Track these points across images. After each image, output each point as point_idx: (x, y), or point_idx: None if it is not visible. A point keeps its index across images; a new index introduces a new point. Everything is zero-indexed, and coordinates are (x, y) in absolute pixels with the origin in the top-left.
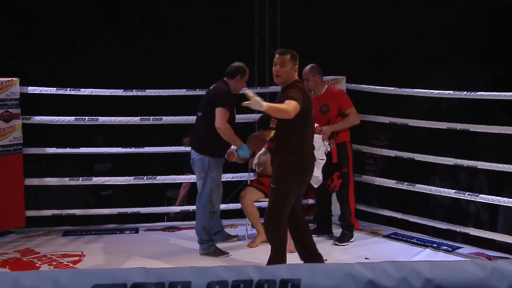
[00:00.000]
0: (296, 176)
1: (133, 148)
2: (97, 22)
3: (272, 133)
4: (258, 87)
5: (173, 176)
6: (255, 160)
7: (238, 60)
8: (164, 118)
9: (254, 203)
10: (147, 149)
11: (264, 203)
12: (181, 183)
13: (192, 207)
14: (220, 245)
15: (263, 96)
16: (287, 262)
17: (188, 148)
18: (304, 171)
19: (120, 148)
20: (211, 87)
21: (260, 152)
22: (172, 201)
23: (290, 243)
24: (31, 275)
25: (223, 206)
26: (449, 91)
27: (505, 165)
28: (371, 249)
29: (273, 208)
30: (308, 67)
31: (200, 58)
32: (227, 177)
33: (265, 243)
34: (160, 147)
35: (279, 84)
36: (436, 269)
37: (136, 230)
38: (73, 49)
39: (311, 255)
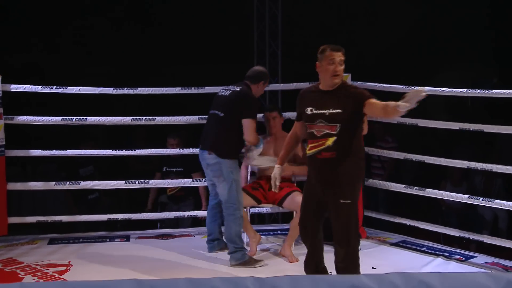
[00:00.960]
0: (362, 183)
1: (123, 150)
2: (85, 16)
3: (331, 140)
4: None
5: (166, 180)
6: (277, 182)
7: (236, 56)
8: (158, 118)
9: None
10: (138, 152)
11: (259, 209)
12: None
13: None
14: (216, 253)
15: (263, 93)
16: (288, 274)
17: (175, 150)
18: None
19: (110, 150)
20: (236, 89)
21: (276, 172)
22: (166, 207)
23: (290, 252)
24: (14, 287)
25: None
26: (461, 89)
27: None
28: (378, 258)
29: (352, 226)
30: None
31: (196, 54)
32: None
33: (273, 254)
34: (150, 149)
35: (332, 86)
36: (447, 281)
37: (127, 238)
38: (60, 46)
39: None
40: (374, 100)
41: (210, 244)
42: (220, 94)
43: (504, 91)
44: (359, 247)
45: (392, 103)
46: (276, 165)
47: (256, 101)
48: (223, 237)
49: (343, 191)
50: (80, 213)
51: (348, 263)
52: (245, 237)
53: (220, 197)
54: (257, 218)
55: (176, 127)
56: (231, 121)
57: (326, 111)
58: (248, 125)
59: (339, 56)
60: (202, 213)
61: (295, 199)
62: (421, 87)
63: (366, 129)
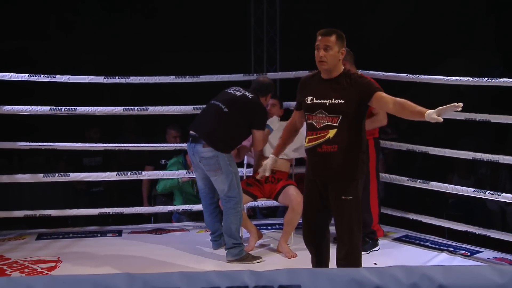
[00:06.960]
0: (364, 178)
1: (115, 144)
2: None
3: (332, 132)
4: (255, 74)
5: (160, 171)
6: (266, 173)
7: (232, 43)
8: (150, 108)
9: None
10: (130, 145)
11: (256, 203)
12: None
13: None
14: (212, 249)
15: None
16: (286, 267)
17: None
18: None
19: (102, 143)
20: (248, 94)
21: (269, 162)
22: (162, 201)
23: (288, 248)
24: (2, 282)
25: None
26: (467, 78)
27: None
28: (379, 254)
29: (354, 223)
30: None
31: (190, 40)
32: None
33: (271, 250)
34: (145, 144)
35: (325, 72)
36: (450, 275)
37: (119, 233)
38: (49, 31)
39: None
40: (383, 95)
41: (216, 241)
42: (228, 91)
43: None
44: (377, 248)
45: (412, 104)
46: (271, 155)
47: (267, 113)
48: None
49: (345, 187)
50: (81, 207)
51: (350, 260)
52: (243, 231)
53: (218, 191)
54: (254, 212)
55: (175, 119)
56: (236, 119)
57: (327, 101)
58: (259, 137)
59: (323, 42)
60: (197, 206)
61: (289, 193)
62: (458, 103)
63: (386, 119)
